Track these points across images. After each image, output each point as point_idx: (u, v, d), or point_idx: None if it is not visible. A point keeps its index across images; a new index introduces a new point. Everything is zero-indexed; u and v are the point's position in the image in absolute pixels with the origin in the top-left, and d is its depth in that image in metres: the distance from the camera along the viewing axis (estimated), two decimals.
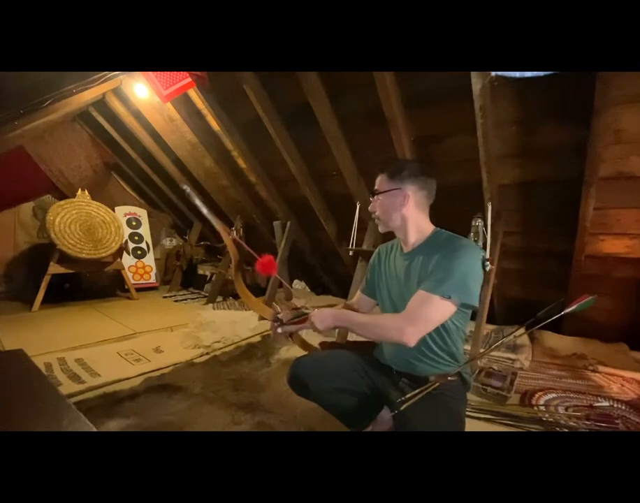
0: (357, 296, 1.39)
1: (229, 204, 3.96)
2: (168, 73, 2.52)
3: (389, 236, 1.25)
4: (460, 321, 1.11)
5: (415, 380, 1.12)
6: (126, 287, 3.91)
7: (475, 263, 1.04)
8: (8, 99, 2.26)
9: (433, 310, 0.98)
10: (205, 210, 1.24)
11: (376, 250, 1.34)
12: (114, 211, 3.94)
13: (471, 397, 1.69)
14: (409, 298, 1.04)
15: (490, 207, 2.08)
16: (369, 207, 1.20)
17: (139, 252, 4.37)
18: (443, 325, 1.06)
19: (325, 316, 1.07)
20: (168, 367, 2.05)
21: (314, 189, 3.00)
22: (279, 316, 1.16)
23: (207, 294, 4.01)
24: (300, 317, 1.12)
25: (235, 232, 3.67)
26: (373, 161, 2.42)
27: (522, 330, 2.16)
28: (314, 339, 1.44)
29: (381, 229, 1.21)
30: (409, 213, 1.12)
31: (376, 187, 1.17)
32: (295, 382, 1.21)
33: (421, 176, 1.13)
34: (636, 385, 1.90)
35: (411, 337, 0.97)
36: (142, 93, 3.12)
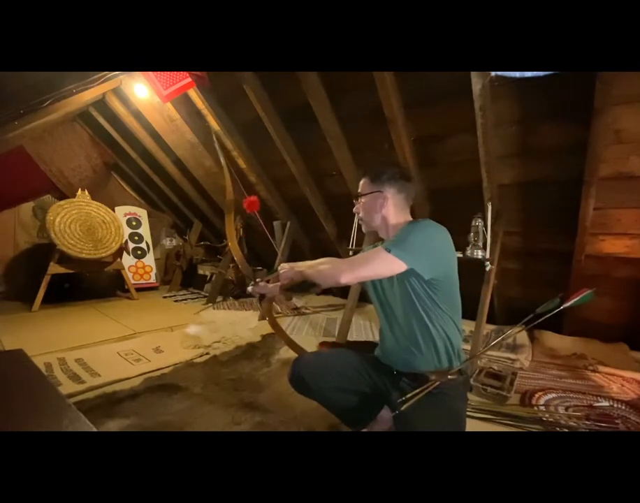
0: None
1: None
2: (168, 73, 2.52)
3: None
4: (443, 302, 1.10)
5: (415, 379, 1.12)
6: (126, 287, 3.91)
7: (429, 235, 1.08)
8: (8, 99, 2.27)
9: (372, 258, 1.05)
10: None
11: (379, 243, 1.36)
12: (114, 211, 3.94)
13: (471, 397, 1.69)
14: (390, 288, 1.16)
15: (490, 207, 2.08)
16: (353, 209, 1.28)
17: (139, 252, 4.37)
18: (424, 309, 1.09)
19: (286, 268, 1.19)
20: (168, 367, 2.05)
21: (314, 189, 3.00)
22: (258, 280, 1.30)
23: (207, 294, 4.01)
24: (273, 275, 1.26)
25: (235, 232, 3.67)
26: (373, 161, 2.43)
27: (522, 328, 2.17)
28: (313, 340, 1.44)
29: (364, 229, 1.29)
30: (389, 214, 1.19)
31: (359, 190, 1.24)
32: (296, 380, 1.23)
33: (400, 180, 1.19)
34: (636, 385, 1.90)
35: (344, 273, 1.03)
36: (142, 93, 3.12)
